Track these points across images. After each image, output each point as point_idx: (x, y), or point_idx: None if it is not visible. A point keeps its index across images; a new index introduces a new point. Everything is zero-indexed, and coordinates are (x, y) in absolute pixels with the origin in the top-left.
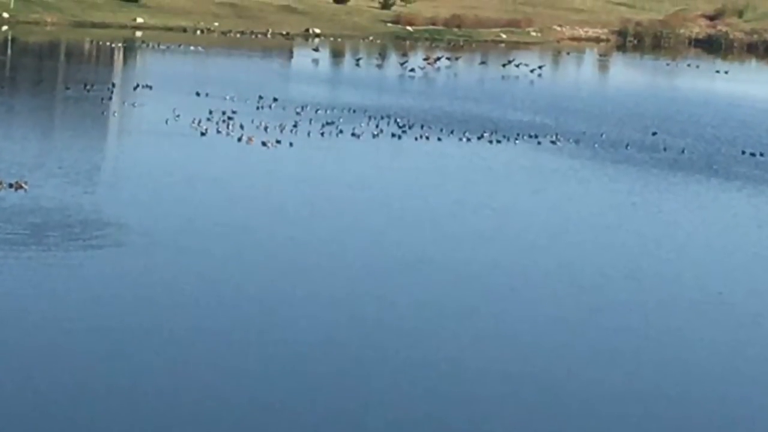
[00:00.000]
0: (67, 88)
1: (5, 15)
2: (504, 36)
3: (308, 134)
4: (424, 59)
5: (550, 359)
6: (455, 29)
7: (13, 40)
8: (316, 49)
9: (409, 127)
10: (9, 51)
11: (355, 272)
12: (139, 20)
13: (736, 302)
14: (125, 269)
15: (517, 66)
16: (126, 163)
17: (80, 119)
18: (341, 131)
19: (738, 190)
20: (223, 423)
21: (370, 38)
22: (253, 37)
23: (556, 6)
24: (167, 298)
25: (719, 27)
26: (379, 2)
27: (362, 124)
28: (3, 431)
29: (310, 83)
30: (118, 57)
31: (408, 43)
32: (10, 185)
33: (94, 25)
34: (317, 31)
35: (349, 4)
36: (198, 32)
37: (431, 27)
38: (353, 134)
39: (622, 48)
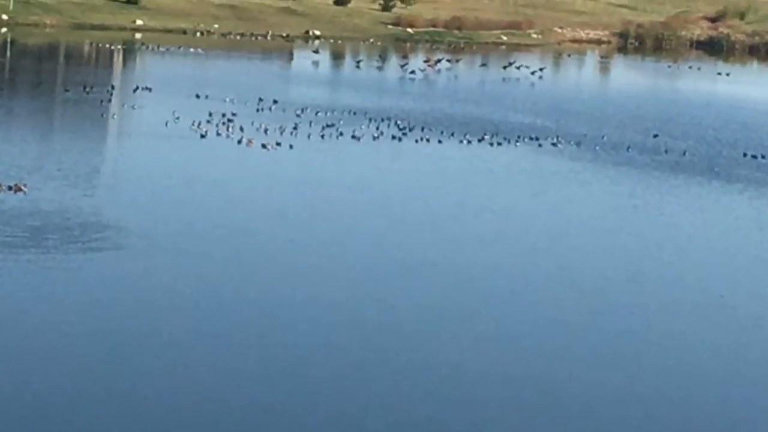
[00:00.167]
0: (67, 90)
1: (4, 17)
2: (505, 38)
3: (308, 136)
4: (425, 61)
5: (551, 362)
6: (456, 31)
7: (12, 42)
8: (316, 51)
9: (410, 130)
10: (8, 53)
11: (355, 275)
12: (139, 22)
13: (737, 305)
14: (125, 272)
15: (518, 68)
16: (125, 165)
17: (79, 121)
18: (341, 133)
19: (739, 192)
20: (223, 426)
21: (371, 40)
22: (253, 39)
23: (557, 8)
24: (167, 300)
25: (721, 29)
26: (380, 4)
27: (362, 126)
28: None
29: (310, 85)
30: (118, 59)
31: (408, 45)
32: (10, 188)
33: (93, 27)
34: (317, 33)
35: (349, 6)
36: (198, 34)
37: (432, 29)
38: (353, 136)
39: (623, 50)
